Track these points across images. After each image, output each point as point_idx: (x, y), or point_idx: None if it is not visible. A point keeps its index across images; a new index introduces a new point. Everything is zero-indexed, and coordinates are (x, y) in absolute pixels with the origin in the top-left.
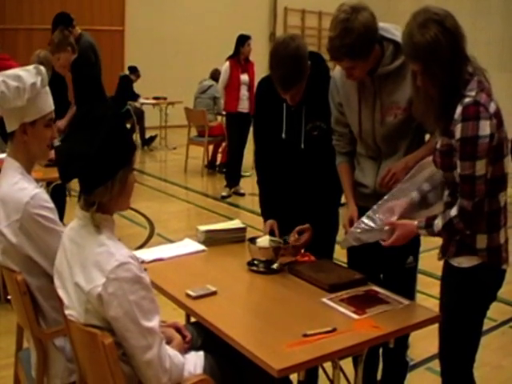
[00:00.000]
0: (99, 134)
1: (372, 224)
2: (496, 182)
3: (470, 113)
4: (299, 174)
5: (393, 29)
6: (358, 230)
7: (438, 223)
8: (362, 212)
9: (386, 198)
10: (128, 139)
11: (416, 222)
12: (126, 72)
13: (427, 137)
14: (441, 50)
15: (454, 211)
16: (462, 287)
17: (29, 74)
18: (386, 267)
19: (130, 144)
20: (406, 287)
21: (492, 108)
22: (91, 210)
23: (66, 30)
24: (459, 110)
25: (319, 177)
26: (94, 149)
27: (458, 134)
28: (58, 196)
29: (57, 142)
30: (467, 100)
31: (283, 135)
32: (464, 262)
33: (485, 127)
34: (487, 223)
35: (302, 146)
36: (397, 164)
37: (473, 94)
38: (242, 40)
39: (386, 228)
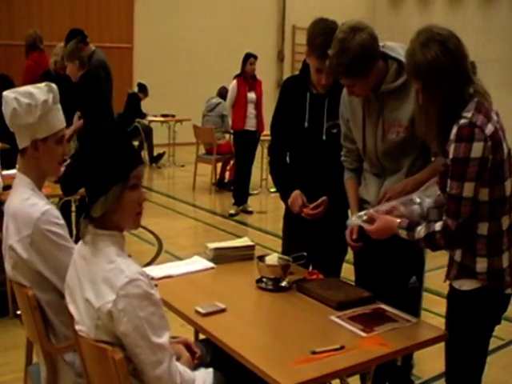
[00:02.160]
0: (97, 147)
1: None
2: (497, 204)
3: (463, 134)
4: (319, 166)
5: (399, 48)
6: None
7: (421, 231)
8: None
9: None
10: (124, 154)
11: (398, 220)
12: (135, 89)
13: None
14: (441, 70)
15: (438, 226)
16: (463, 310)
17: (40, 92)
18: (388, 287)
19: (126, 159)
20: (410, 308)
21: (489, 130)
22: (91, 225)
23: (82, 44)
24: (454, 130)
25: (337, 170)
26: (91, 161)
27: (450, 154)
28: (69, 212)
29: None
30: (462, 121)
31: (306, 124)
32: (464, 284)
33: (477, 150)
34: (487, 246)
35: (324, 137)
36: (395, 187)
37: (469, 115)
38: (245, 58)
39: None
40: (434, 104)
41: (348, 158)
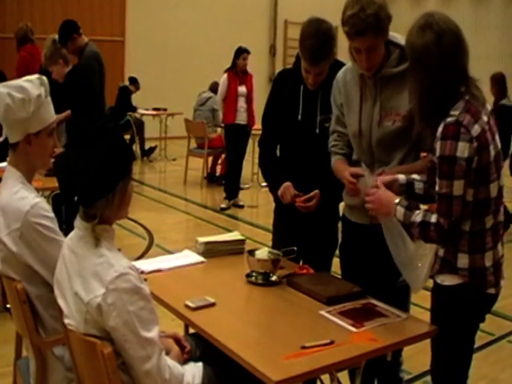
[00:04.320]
0: (100, 149)
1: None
2: (480, 205)
3: (449, 132)
4: (311, 159)
5: (402, 38)
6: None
7: (418, 215)
8: (355, 229)
9: None
10: (127, 151)
11: (399, 198)
12: (126, 83)
13: None
14: (428, 58)
15: (434, 218)
16: (445, 305)
17: (33, 86)
18: (376, 286)
19: (128, 155)
20: (399, 306)
21: (475, 130)
22: (92, 223)
23: (58, 43)
24: (441, 127)
25: (329, 164)
26: (96, 165)
27: (437, 152)
28: (60, 205)
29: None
30: (449, 119)
31: (299, 117)
32: (446, 280)
33: (463, 149)
34: (469, 243)
35: (317, 130)
36: (390, 169)
37: (456, 113)
38: (238, 53)
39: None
40: (417, 86)
41: (339, 143)
